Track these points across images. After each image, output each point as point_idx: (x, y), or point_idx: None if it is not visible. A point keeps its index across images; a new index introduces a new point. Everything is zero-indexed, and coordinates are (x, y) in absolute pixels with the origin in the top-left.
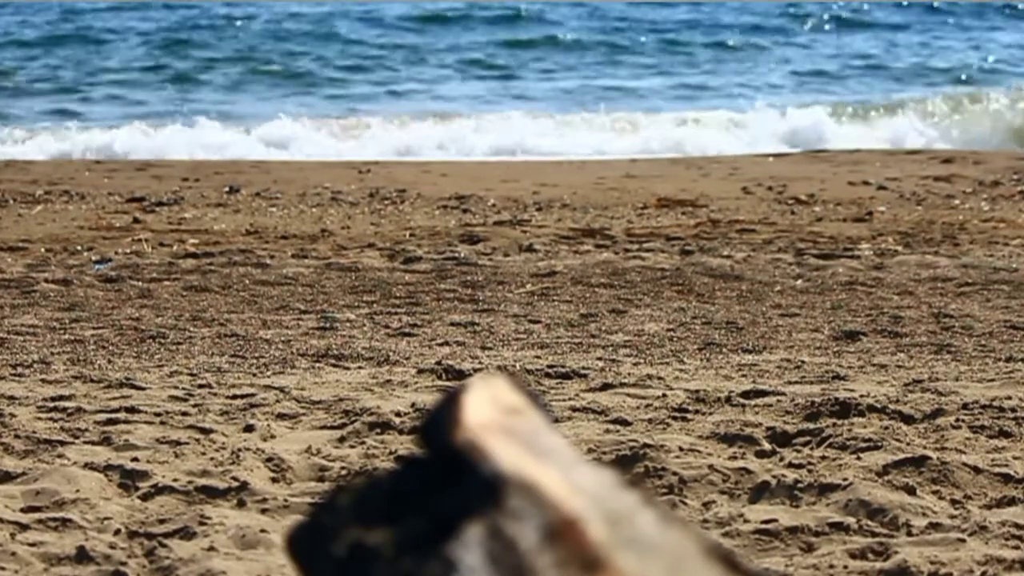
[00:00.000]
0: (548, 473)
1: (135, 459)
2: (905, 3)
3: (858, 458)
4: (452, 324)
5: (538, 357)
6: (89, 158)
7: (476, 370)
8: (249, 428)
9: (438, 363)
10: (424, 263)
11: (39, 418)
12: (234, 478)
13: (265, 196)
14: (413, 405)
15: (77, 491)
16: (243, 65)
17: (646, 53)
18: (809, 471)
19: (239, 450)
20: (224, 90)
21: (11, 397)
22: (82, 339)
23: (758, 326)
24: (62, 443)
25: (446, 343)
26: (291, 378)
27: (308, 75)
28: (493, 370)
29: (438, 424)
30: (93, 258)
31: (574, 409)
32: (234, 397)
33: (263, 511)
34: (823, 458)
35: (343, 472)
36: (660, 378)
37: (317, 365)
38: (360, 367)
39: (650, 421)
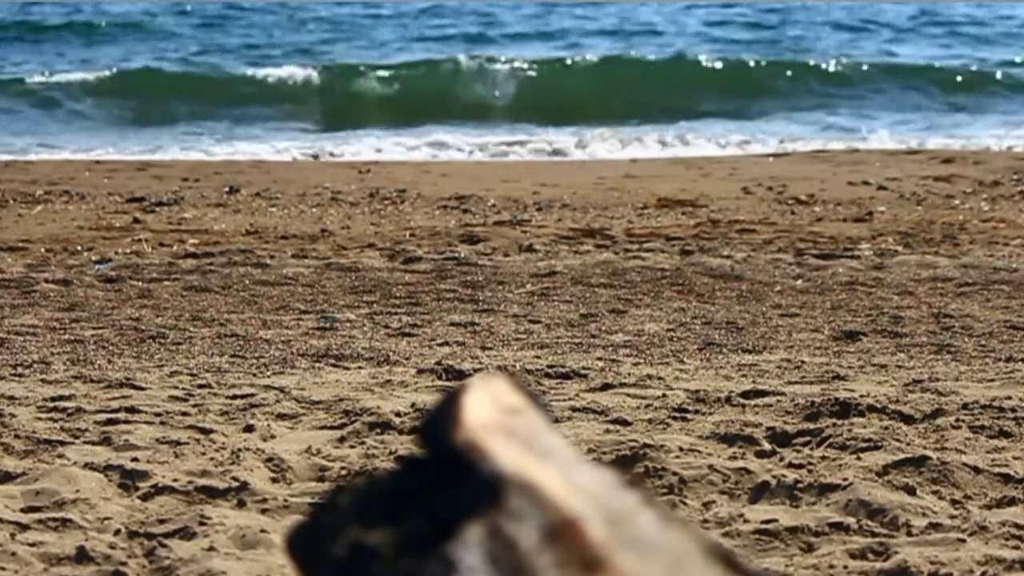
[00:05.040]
0: (548, 473)
1: (135, 459)
2: None
3: (858, 458)
4: (452, 324)
5: (538, 357)
6: (89, 158)
7: (476, 370)
8: (249, 428)
9: (438, 363)
10: (424, 263)
11: (39, 418)
12: (234, 478)
13: (265, 196)
14: (413, 405)
15: (77, 491)
16: None
17: None
18: (809, 471)
19: (239, 450)
20: None
21: (11, 397)
22: (82, 339)
23: (758, 326)
24: (62, 443)
25: (446, 343)
26: (291, 378)
27: None
28: (493, 370)
29: (438, 424)
30: (93, 258)
31: (574, 409)
32: (234, 397)
33: (263, 511)
34: (823, 458)
35: (343, 472)
36: (660, 378)
37: (317, 365)
38: (360, 367)
39: (650, 421)
